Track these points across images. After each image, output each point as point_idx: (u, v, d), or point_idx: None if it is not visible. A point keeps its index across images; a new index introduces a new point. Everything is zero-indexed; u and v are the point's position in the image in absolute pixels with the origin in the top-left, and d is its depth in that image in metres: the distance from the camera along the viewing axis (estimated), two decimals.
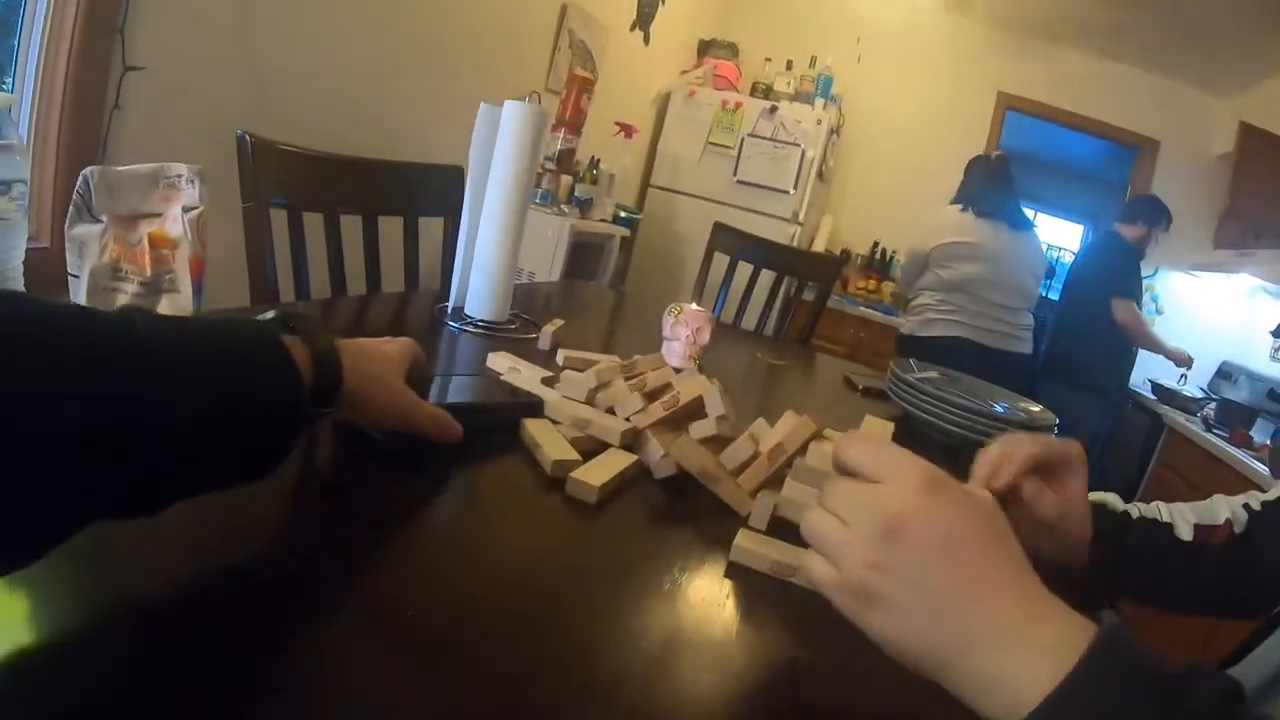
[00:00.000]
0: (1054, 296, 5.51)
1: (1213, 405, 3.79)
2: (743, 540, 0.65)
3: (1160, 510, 0.87)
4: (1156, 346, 3.58)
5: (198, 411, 0.42)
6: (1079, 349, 3.49)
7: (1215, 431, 3.39)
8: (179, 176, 0.80)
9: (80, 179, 0.74)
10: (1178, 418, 3.64)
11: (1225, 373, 4.33)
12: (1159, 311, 4.82)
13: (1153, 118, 4.79)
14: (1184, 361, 3.71)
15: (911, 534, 0.45)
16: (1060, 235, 7.46)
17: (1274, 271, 3.77)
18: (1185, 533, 0.84)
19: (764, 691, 0.51)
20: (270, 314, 0.56)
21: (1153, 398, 4.03)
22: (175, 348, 0.43)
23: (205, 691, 0.38)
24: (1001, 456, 0.70)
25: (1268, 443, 3.21)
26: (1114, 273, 3.48)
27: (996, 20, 4.81)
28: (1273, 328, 3.95)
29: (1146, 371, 4.35)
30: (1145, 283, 4.78)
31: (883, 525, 0.45)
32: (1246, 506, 0.87)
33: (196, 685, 0.38)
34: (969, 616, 0.43)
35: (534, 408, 0.84)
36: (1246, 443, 3.20)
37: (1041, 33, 4.76)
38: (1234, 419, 3.49)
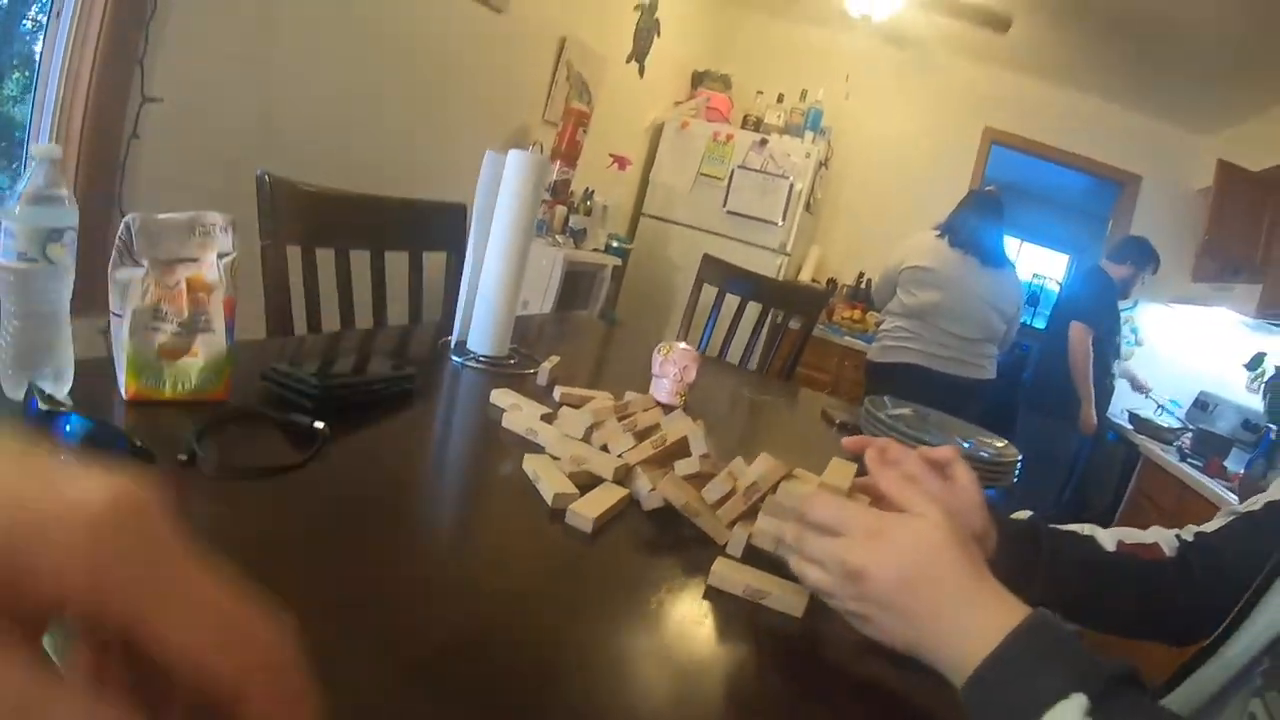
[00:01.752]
0: (1038, 324, 5.64)
1: (1189, 435, 3.86)
2: (719, 567, 0.74)
3: (1081, 528, 0.93)
4: (1084, 385, 3.54)
5: None
6: (1058, 378, 3.55)
7: (1190, 461, 3.45)
8: (214, 225, 0.87)
9: (123, 226, 0.81)
10: (1154, 448, 3.70)
11: (1202, 403, 4.39)
12: (1139, 343, 4.92)
13: (1135, 153, 4.93)
14: (1089, 427, 3.60)
15: (870, 577, 0.60)
16: (1044, 264, 7.58)
17: (1249, 306, 3.84)
18: (1108, 544, 0.91)
19: (738, 706, 0.59)
20: None
21: (1129, 427, 4.10)
22: None
23: None
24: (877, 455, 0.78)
25: (1241, 472, 3.29)
26: (1085, 302, 3.55)
27: (987, 59, 4.94)
28: (1247, 360, 4.03)
29: (1124, 402, 4.45)
30: (1125, 314, 4.90)
31: (848, 573, 0.61)
32: (1178, 536, 0.93)
33: None
34: (927, 623, 0.59)
35: (408, 379, 1.04)
36: (1221, 472, 3.26)
37: (1029, 71, 4.89)
38: (1210, 448, 3.57)
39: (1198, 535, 0.93)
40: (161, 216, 0.83)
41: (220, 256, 0.86)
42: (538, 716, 0.51)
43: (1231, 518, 0.94)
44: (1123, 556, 0.90)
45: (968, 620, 0.57)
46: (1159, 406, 4.44)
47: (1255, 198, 3.98)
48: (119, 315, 0.80)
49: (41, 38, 1.73)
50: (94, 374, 0.81)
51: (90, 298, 0.87)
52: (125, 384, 0.78)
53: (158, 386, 0.80)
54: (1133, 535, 0.94)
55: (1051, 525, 0.93)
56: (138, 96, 1.79)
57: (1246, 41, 3.51)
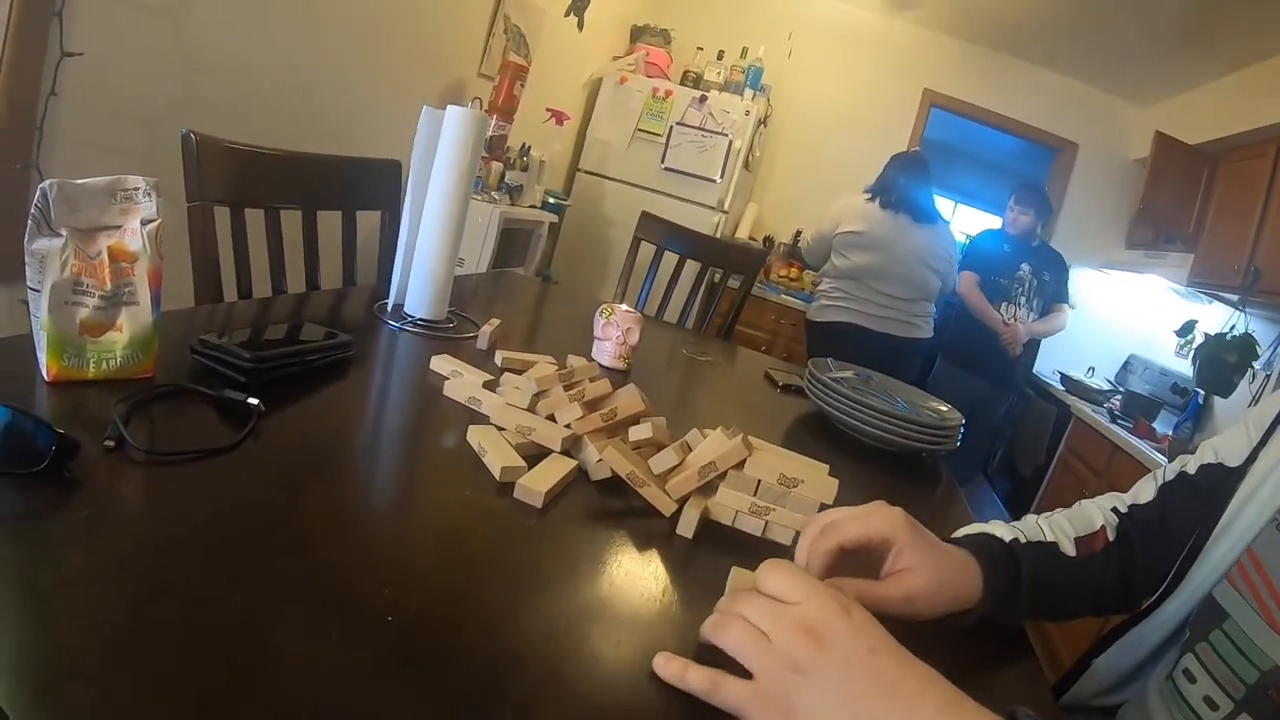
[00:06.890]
0: None
1: (1119, 396, 3.96)
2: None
3: (1042, 529, 0.92)
4: (988, 315, 3.60)
5: None
6: (968, 334, 3.64)
7: (1120, 422, 3.55)
8: (136, 189, 0.82)
9: (39, 193, 0.76)
10: (1084, 408, 3.79)
11: (1131, 366, 4.54)
12: (1072, 305, 5.03)
13: (1072, 121, 5.03)
14: (1011, 340, 3.59)
15: (835, 641, 0.50)
16: (979, 226, 7.69)
17: (1180, 274, 3.95)
18: (1069, 548, 0.89)
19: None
20: None
21: (1061, 388, 4.19)
22: None
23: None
24: (810, 552, 0.69)
25: (1169, 434, 3.42)
26: (968, 252, 3.64)
27: (928, 22, 4.97)
28: (1177, 327, 4.14)
29: (1055, 363, 4.57)
30: None
31: (808, 632, 0.50)
32: (1115, 511, 0.95)
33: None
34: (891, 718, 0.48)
35: (346, 347, 1.01)
36: (1150, 434, 3.37)
37: (971, 36, 4.94)
38: (1138, 410, 3.69)
39: (1132, 508, 0.95)
40: (80, 182, 0.79)
41: (144, 223, 0.82)
42: (511, 687, 0.51)
43: (1172, 478, 0.95)
44: (1081, 561, 0.90)
45: None
46: (1089, 368, 4.56)
47: (1190, 170, 4.06)
48: (36, 290, 0.75)
49: None
50: (12, 353, 0.77)
51: (10, 266, 0.82)
52: (46, 365, 0.74)
53: (80, 366, 0.76)
54: (1082, 523, 0.94)
55: (1018, 532, 0.89)
56: (56, 51, 1.69)
57: (1189, 14, 3.58)
